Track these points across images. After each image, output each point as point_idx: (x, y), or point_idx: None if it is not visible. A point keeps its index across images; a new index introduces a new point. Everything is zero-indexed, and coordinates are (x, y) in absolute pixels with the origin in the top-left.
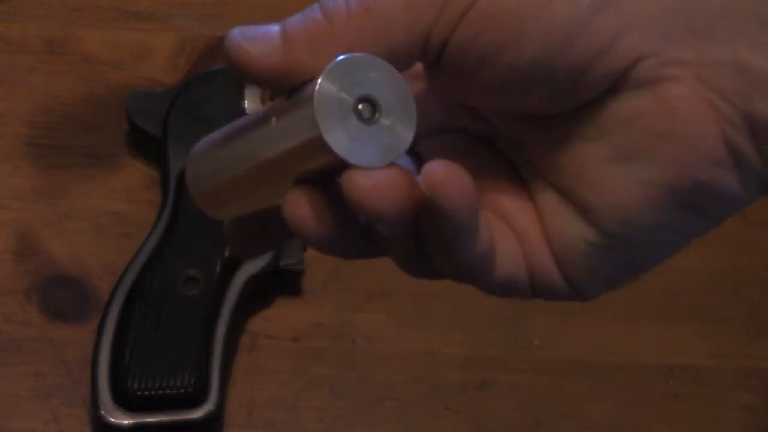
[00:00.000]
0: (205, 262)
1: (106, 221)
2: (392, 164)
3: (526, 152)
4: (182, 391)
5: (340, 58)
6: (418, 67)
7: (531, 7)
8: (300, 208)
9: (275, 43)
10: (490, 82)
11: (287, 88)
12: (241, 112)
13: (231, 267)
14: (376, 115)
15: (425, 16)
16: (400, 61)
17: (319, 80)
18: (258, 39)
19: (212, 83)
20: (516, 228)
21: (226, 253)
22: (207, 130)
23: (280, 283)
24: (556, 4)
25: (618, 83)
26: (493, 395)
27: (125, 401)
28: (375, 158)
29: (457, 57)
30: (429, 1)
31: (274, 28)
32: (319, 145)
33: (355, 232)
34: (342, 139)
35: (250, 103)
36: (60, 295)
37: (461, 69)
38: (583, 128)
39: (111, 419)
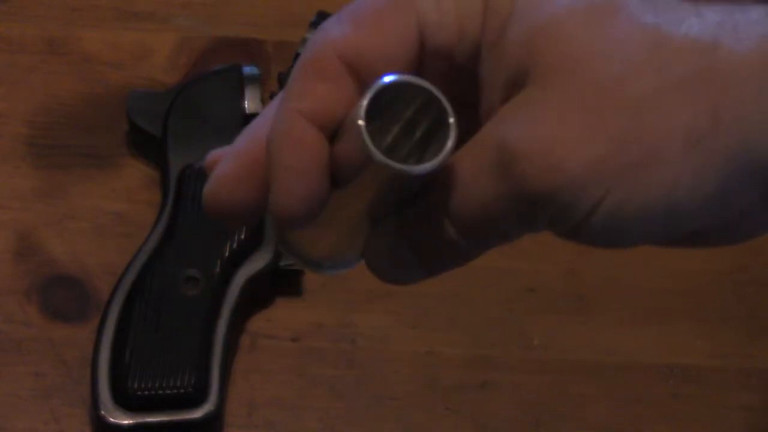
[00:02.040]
0: (205, 262)
1: (106, 221)
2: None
3: None
4: (182, 391)
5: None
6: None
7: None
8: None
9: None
10: None
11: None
12: (241, 112)
13: (231, 267)
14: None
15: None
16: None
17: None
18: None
19: (212, 83)
20: None
21: (227, 253)
22: (207, 130)
23: (280, 283)
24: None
25: None
26: (493, 395)
27: (125, 401)
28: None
29: None
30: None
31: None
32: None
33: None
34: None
35: (250, 103)
36: (60, 295)
37: None
38: None
39: (111, 419)
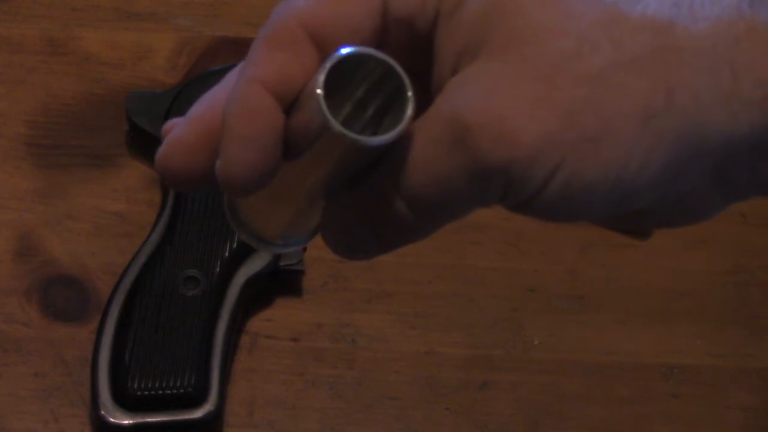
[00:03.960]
0: (205, 262)
1: (106, 221)
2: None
3: None
4: (182, 391)
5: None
6: None
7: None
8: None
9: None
10: None
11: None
12: None
13: (231, 267)
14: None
15: None
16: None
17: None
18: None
19: (212, 83)
20: None
21: (227, 253)
22: None
23: (280, 283)
24: None
25: None
26: (493, 395)
27: (125, 401)
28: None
29: None
30: None
31: None
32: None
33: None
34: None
35: None
36: (60, 295)
37: None
38: None
39: (111, 419)
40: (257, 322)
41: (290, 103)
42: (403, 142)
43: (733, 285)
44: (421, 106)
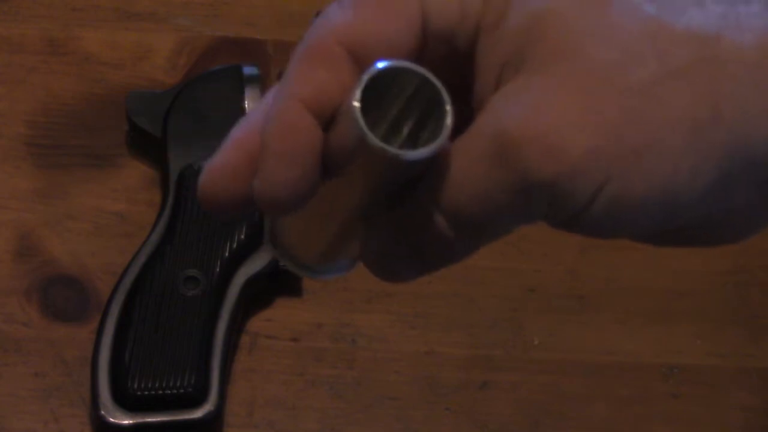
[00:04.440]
0: (205, 262)
1: (106, 221)
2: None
3: None
4: (182, 391)
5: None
6: None
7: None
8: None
9: None
10: None
11: None
12: (242, 112)
13: (231, 267)
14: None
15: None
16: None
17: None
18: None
19: (212, 83)
20: None
21: (227, 253)
22: (207, 130)
23: (280, 283)
24: None
25: None
26: (493, 395)
27: (125, 401)
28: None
29: None
30: None
31: None
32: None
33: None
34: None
35: (251, 102)
36: (60, 295)
37: None
38: None
39: (111, 419)
40: (257, 322)
41: (329, 120)
42: (444, 157)
43: (733, 285)
44: (462, 122)
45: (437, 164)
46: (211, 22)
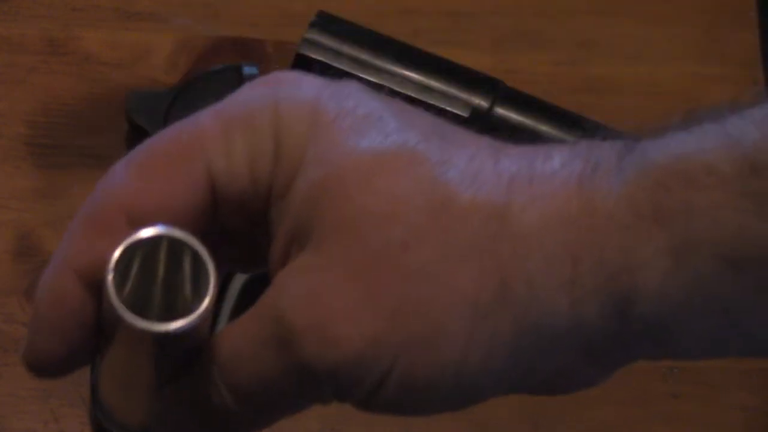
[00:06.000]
0: None
1: None
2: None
3: None
4: None
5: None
6: None
7: None
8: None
9: None
10: None
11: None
12: None
13: (230, 269)
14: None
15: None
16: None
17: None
18: None
19: (212, 83)
20: None
21: None
22: None
23: None
24: None
25: None
26: None
27: None
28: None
29: None
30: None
31: None
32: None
33: None
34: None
35: None
36: None
37: None
38: None
39: None
40: None
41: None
42: (229, 335)
43: None
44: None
45: (223, 337)
46: (211, 22)
